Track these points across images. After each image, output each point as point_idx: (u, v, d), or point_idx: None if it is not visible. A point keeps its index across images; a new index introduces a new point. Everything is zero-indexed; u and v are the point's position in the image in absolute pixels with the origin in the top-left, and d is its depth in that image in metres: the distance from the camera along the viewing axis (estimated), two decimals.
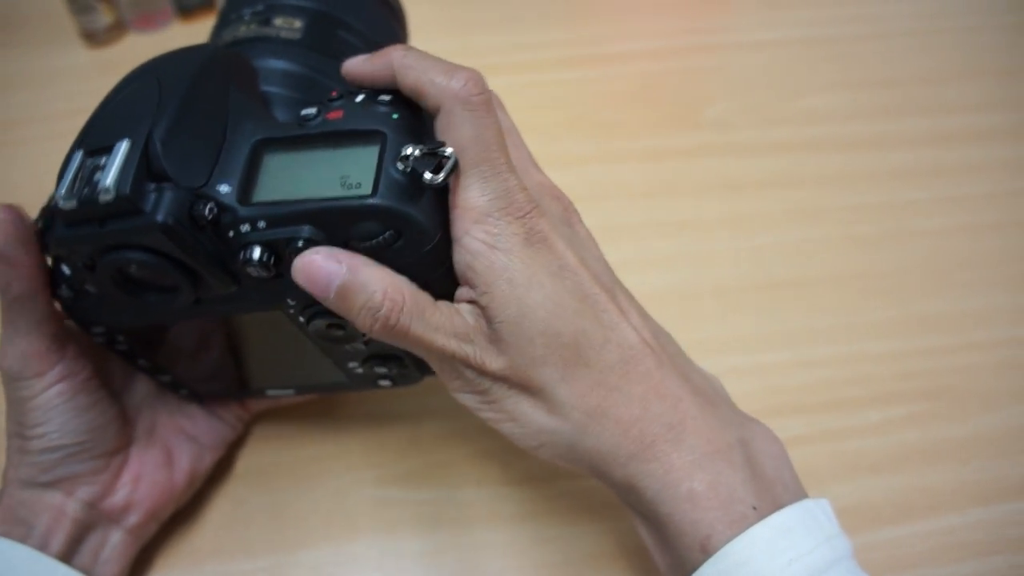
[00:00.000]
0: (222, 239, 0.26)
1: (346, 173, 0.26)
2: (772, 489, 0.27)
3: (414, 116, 0.27)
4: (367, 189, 0.25)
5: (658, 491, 0.27)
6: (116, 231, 0.25)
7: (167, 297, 0.28)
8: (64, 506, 0.31)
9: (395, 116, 0.27)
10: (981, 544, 0.36)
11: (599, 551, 0.36)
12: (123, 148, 0.25)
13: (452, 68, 0.27)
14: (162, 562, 0.36)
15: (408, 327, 0.26)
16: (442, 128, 0.27)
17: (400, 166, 0.25)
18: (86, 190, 0.25)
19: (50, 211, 0.28)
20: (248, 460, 0.40)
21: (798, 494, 0.28)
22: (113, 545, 0.33)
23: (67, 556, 0.31)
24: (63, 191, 0.25)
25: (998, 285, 0.47)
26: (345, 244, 0.26)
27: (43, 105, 0.62)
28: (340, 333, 0.29)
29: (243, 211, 0.26)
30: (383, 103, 0.27)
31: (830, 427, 0.41)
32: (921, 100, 0.60)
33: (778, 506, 0.27)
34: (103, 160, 0.25)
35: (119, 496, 0.33)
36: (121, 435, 0.33)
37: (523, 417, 0.28)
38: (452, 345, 0.26)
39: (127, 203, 0.24)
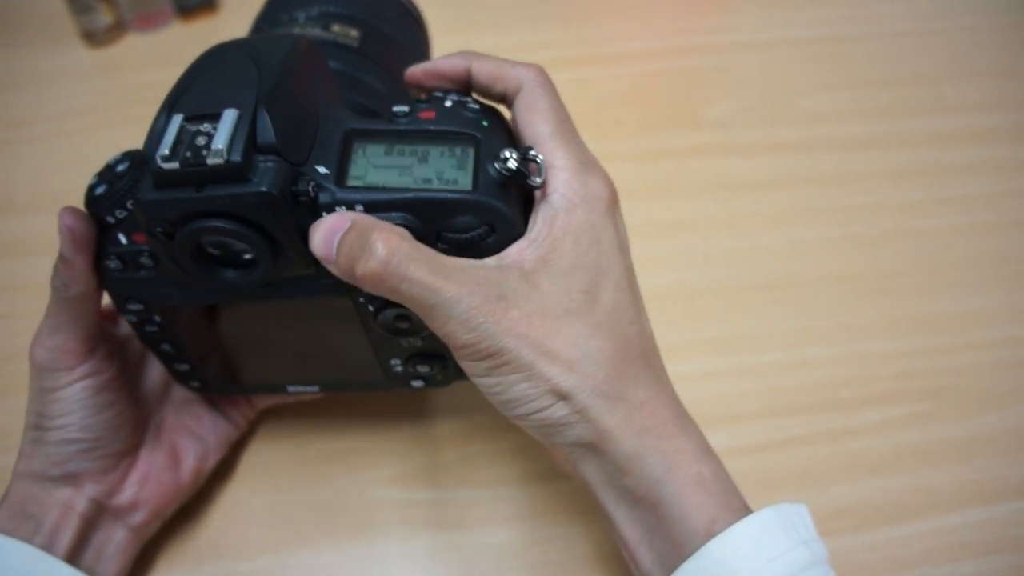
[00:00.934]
0: (315, 218, 0.27)
1: (441, 169, 0.27)
2: (740, 494, 0.29)
3: (500, 124, 0.30)
4: (466, 185, 0.27)
5: (667, 469, 0.27)
6: (215, 197, 0.25)
7: (240, 274, 0.28)
8: (73, 502, 0.32)
9: (485, 123, 0.29)
10: (980, 544, 0.36)
11: (599, 551, 0.36)
12: (232, 116, 0.25)
13: (518, 61, 0.30)
14: (163, 562, 0.36)
15: (406, 270, 0.25)
16: (523, 105, 0.29)
17: (498, 166, 0.27)
18: (188, 153, 0.24)
19: (113, 174, 0.28)
20: (249, 460, 0.40)
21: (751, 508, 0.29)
22: (117, 542, 0.33)
23: (73, 553, 0.31)
24: (164, 151, 0.25)
25: (996, 285, 0.47)
26: (437, 235, 0.27)
27: (43, 105, 0.62)
28: (405, 326, 0.30)
29: (341, 193, 0.26)
30: (471, 110, 0.29)
31: (829, 427, 0.41)
32: (919, 100, 0.60)
33: (751, 510, 0.28)
34: (205, 126, 0.25)
35: (126, 495, 0.33)
36: (133, 436, 0.34)
37: (538, 374, 0.27)
38: (464, 291, 0.26)
39: (235, 170, 0.24)
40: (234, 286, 0.28)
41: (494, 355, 0.27)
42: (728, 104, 0.60)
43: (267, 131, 0.25)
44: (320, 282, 0.29)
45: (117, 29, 0.68)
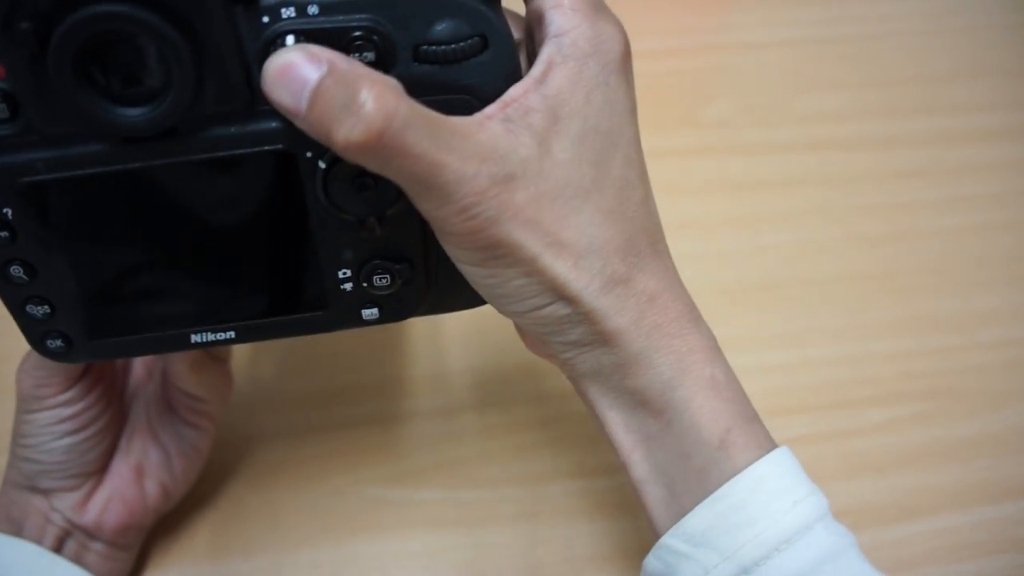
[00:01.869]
0: (253, 24, 0.21)
1: None
2: (749, 401, 0.26)
3: None
4: None
5: (680, 371, 0.25)
6: None
7: (144, 111, 0.21)
8: (48, 512, 0.32)
9: None
10: (985, 543, 0.36)
11: (599, 551, 0.36)
12: None
13: None
14: (161, 562, 0.36)
15: (403, 139, 0.20)
16: None
17: None
18: None
19: None
20: (247, 460, 0.40)
21: None
22: (96, 551, 0.33)
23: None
24: None
25: (1002, 284, 0.47)
26: (415, 50, 0.22)
27: None
28: (367, 194, 0.23)
29: None
30: None
31: (834, 427, 0.40)
32: (923, 99, 0.60)
33: (760, 422, 0.26)
34: None
35: (90, 515, 0.32)
36: (101, 459, 0.33)
37: (541, 271, 0.23)
38: (468, 170, 0.21)
39: None
40: (130, 131, 0.21)
41: (493, 246, 0.23)
42: (729, 104, 0.60)
43: None
44: (252, 127, 0.22)
45: None
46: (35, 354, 0.30)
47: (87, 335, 0.26)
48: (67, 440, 0.31)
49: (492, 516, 0.37)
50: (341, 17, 0.21)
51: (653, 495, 0.26)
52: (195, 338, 0.27)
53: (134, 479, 0.33)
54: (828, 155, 0.55)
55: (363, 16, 0.21)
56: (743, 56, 0.64)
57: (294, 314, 0.27)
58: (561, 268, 0.23)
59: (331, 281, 0.26)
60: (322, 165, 0.23)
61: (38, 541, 0.31)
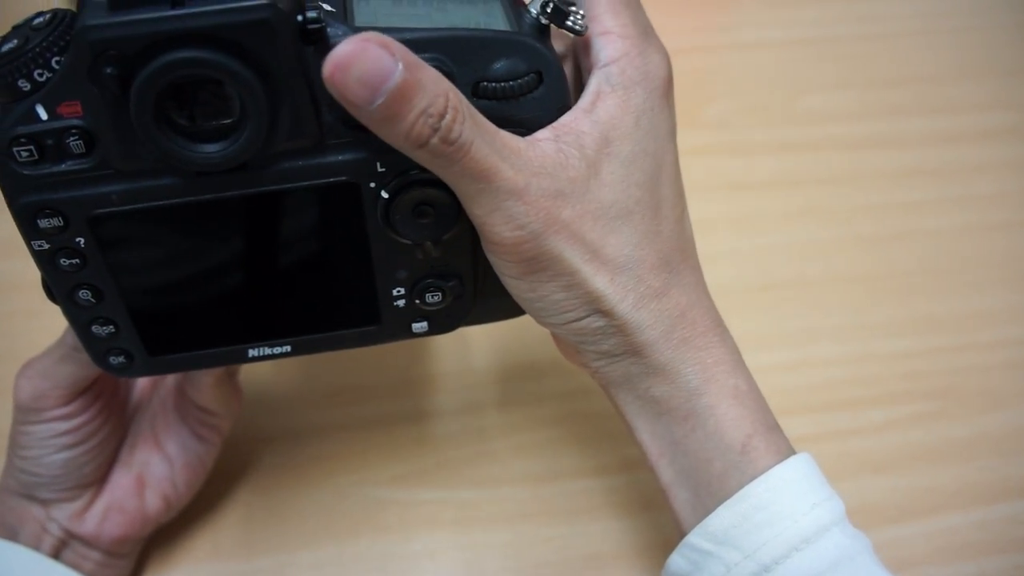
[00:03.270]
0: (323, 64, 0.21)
1: (467, 16, 0.23)
2: (770, 410, 0.27)
3: None
4: (506, 26, 0.23)
5: (705, 381, 0.26)
6: (199, 14, 0.19)
7: (220, 147, 0.21)
8: (44, 521, 0.32)
9: None
10: (985, 544, 0.36)
11: (599, 551, 0.36)
12: None
13: None
14: (162, 562, 0.36)
15: (471, 144, 0.21)
16: None
17: (534, 11, 0.23)
18: None
19: (29, 28, 0.22)
20: (249, 461, 0.40)
21: None
22: (94, 560, 0.33)
23: None
24: None
25: (1003, 285, 0.47)
26: (475, 86, 0.23)
27: None
28: (426, 221, 0.24)
29: (358, 29, 0.21)
30: None
31: (834, 427, 0.40)
32: (924, 100, 0.60)
33: (781, 429, 0.27)
34: None
35: (89, 525, 0.32)
36: (99, 471, 0.33)
37: (580, 284, 0.24)
38: (520, 182, 0.22)
39: None
40: (205, 167, 0.22)
41: (536, 258, 0.24)
42: (729, 103, 0.60)
43: None
44: (318, 162, 0.23)
45: None
46: (37, 363, 0.30)
47: (148, 351, 0.27)
48: (64, 454, 0.31)
49: (493, 516, 0.37)
50: None
51: (679, 498, 0.27)
52: (252, 352, 0.27)
53: (135, 490, 0.33)
54: (830, 155, 0.55)
55: (427, 55, 0.22)
56: (743, 56, 0.64)
57: (349, 326, 0.28)
58: (599, 283, 0.25)
59: (385, 298, 0.27)
60: (385, 195, 0.24)
61: (35, 547, 0.31)
